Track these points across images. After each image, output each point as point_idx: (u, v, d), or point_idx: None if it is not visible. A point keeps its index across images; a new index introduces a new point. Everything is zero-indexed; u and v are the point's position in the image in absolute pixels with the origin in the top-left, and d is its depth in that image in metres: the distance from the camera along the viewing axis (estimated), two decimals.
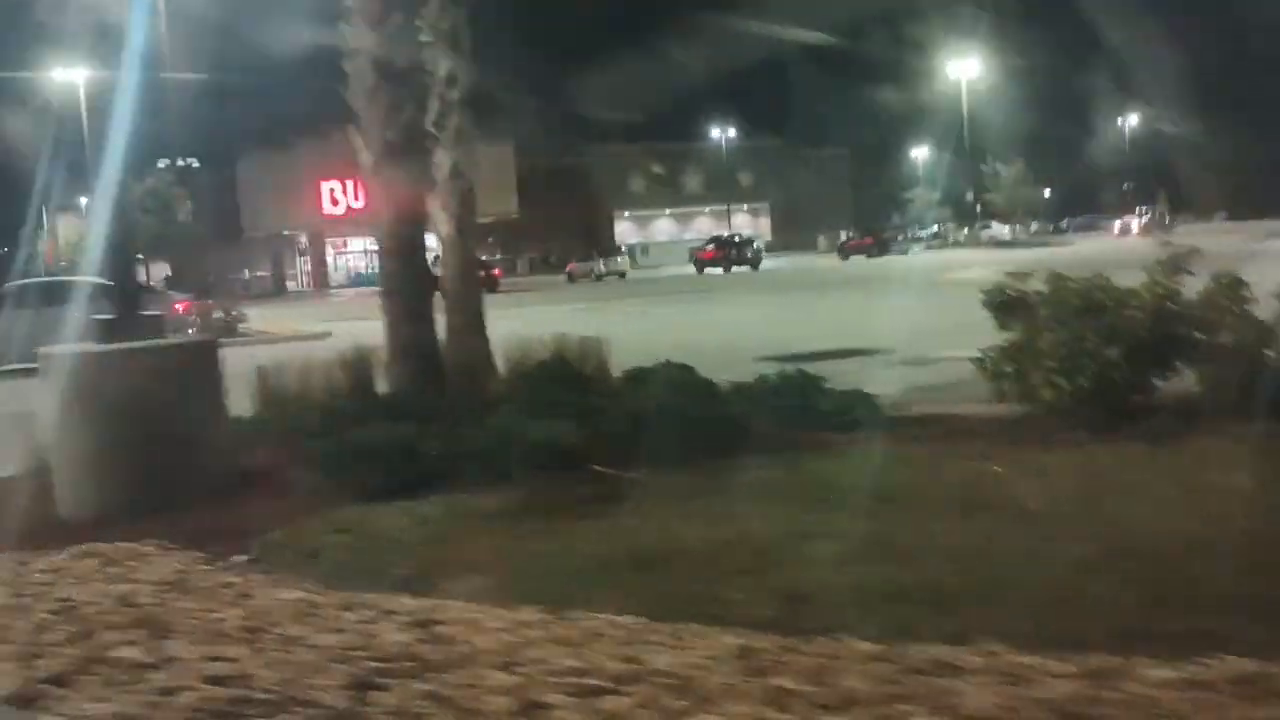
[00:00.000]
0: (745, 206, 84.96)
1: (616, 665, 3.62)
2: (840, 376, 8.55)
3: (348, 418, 7.45)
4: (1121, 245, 55.95)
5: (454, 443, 7.05)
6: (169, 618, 4.47)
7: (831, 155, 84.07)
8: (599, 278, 57.17)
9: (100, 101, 39.49)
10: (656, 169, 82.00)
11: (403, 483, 6.51)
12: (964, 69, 62.77)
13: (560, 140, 79.32)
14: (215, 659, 3.95)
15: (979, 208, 67.89)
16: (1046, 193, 75.77)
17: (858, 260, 58.79)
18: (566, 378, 8.80)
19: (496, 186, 73.72)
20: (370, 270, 75.37)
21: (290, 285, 72.68)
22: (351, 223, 72.48)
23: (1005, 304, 7.67)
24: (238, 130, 57.00)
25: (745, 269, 56.28)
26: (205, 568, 5.33)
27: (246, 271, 68.43)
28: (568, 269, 60.33)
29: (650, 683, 3.46)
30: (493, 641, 3.92)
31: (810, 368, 8.50)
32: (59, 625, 4.47)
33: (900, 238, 63.14)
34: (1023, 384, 7.31)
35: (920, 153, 78.70)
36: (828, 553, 4.81)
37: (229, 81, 53.07)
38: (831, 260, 62.81)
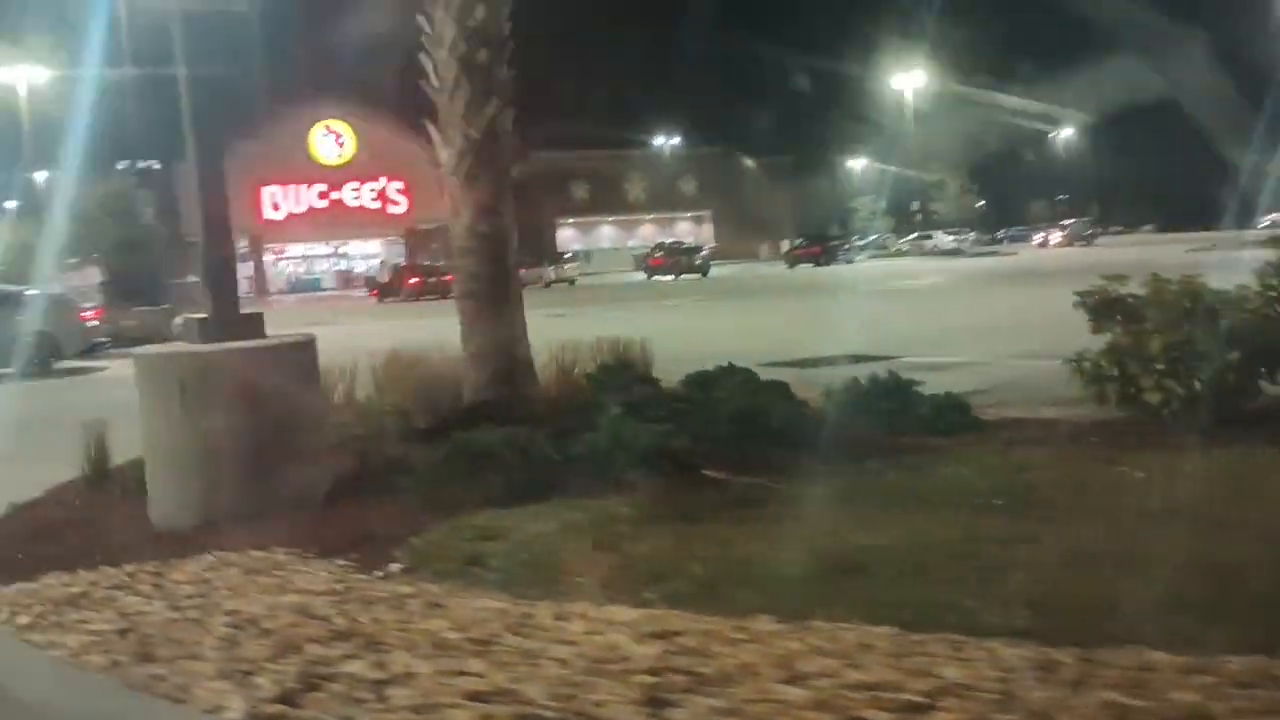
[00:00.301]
0: (688, 214, 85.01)
1: (910, 679, 3.44)
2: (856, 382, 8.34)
3: (443, 421, 7.20)
4: (1059, 255, 57.09)
5: (561, 447, 6.85)
6: (370, 629, 4.22)
7: (773, 164, 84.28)
8: (548, 284, 56.82)
9: (42, 101, 38.60)
10: (599, 176, 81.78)
11: (520, 487, 6.30)
12: (909, 80, 63.38)
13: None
14: (457, 674, 3.72)
15: (920, 217, 68.63)
16: (980, 204, 76.77)
17: (805, 268, 59.04)
18: (629, 382, 8.63)
19: (442, 192, 73.57)
20: (310, 276, 74.74)
21: (191, 293, 71.26)
22: (292, 228, 71.63)
23: (1102, 306, 7.61)
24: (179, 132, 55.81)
25: (694, 276, 56.32)
26: (361, 577, 5.06)
27: (190, 276, 66.92)
28: (522, 273, 59.92)
29: (963, 696, 3.29)
30: (753, 654, 3.72)
31: (824, 373, 8.36)
32: (251, 640, 4.19)
33: (846, 247, 63.43)
34: (1127, 387, 7.25)
35: (863, 163, 79.32)
36: (1033, 559, 4.67)
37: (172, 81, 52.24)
38: (778, 268, 63.03)
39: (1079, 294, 7.81)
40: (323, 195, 72.54)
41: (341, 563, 5.31)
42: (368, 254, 76.16)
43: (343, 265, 76.73)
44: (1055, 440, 7.16)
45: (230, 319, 6.71)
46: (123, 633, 4.40)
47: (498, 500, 6.17)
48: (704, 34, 79.02)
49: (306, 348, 6.70)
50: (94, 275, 36.96)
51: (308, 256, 76.13)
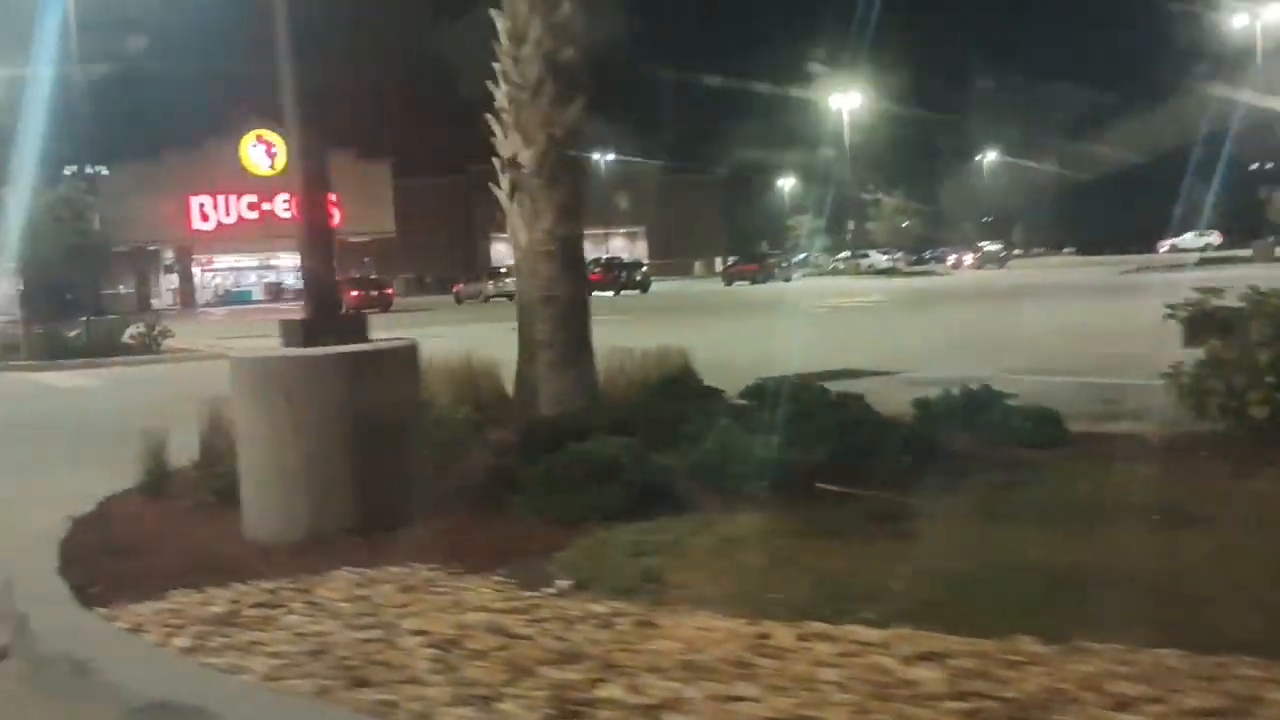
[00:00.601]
0: (622, 230, 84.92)
1: (1253, 706, 3.23)
2: (870, 396, 8.16)
3: (535, 431, 6.89)
4: (996, 275, 57.99)
5: (672, 459, 6.60)
6: (593, 651, 3.91)
7: (707, 181, 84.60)
8: (487, 299, 56.35)
9: None
10: None
11: (641, 500, 6.02)
12: (844, 100, 63.96)
13: (435, 158, 78.29)
14: (730, 699, 3.43)
15: (852, 236, 69.22)
16: (905, 224, 77.56)
17: (742, 286, 59.25)
18: (693, 394, 8.41)
19: (373, 204, 72.66)
20: (239, 289, 73.32)
21: (154, 303, 69.70)
22: (222, 239, 70.30)
23: (1198, 319, 7.53)
24: (111, 139, 54.43)
25: (634, 292, 56.19)
26: (530, 594, 4.74)
27: (122, 287, 65.31)
28: (455, 290, 59.37)
29: None
30: (1048, 679, 3.48)
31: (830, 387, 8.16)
32: (467, 662, 3.86)
33: (783, 264, 63.77)
34: (1230, 400, 7.15)
35: (798, 181, 79.83)
36: (1261, 574, 4.51)
37: (106, 86, 50.97)
38: (714, 285, 63.20)
39: (1170, 306, 7.72)
40: (253, 206, 71.27)
41: (497, 579, 4.98)
42: (297, 267, 74.99)
43: (271, 277, 75.48)
44: (1162, 454, 7.04)
45: (333, 321, 6.34)
46: (314, 654, 4.04)
47: (620, 513, 5.88)
48: (640, 50, 79.17)
49: (411, 352, 6.35)
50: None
51: (236, 268, 74.78)
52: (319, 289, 6.30)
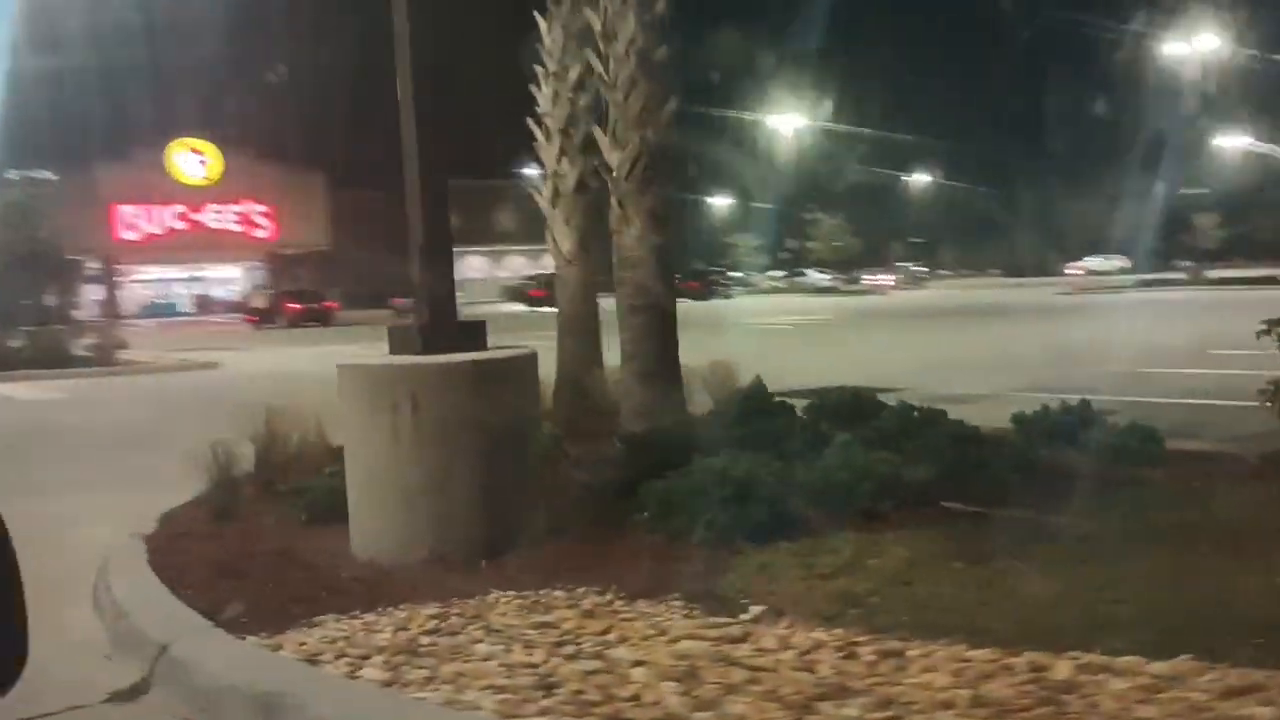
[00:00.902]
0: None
1: None
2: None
3: (648, 448, 6.55)
4: (934, 295, 58.45)
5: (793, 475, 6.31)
6: (858, 685, 3.60)
7: None
8: None
9: None
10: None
11: (783, 518, 5.72)
12: (784, 121, 63.93)
13: (370, 171, 77.16)
14: None
15: (790, 255, 69.50)
16: (836, 243, 77.97)
17: (685, 303, 59.01)
18: (767, 409, 8.15)
19: (307, 217, 71.26)
20: (166, 301, 71.37)
21: (77, 314, 67.46)
22: (149, 250, 68.43)
23: None
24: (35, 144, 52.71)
25: None
26: (725, 620, 4.41)
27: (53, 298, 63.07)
28: (396, 304, 58.37)
29: None
30: None
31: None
32: (725, 698, 3.53)
33: (724, 282, 63.81)
34: None
35: (735, 200, 79.83)
36: None
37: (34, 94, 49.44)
38: None
39: (1266, 323, 7.61)
40: (182, 216, 69.44)
41: (675, 603, 4.65)
42: (225, 279, 73.43)
43: (199, 289, 73.76)
44: (1269, 472, 6.89)
45: (453, 327, 5.98)
46: (542, 688, 3.68)
47: (761, 533, 5.58)
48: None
49: (531, 361, 6.01)
50: None
51: (163, 280, 72.95)
52: (436, 292, 5.91)
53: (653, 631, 4.25)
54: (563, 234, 9.68)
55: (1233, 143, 59.13)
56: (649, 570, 5.12)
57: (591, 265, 9.74)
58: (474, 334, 5.98)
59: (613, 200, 7.49)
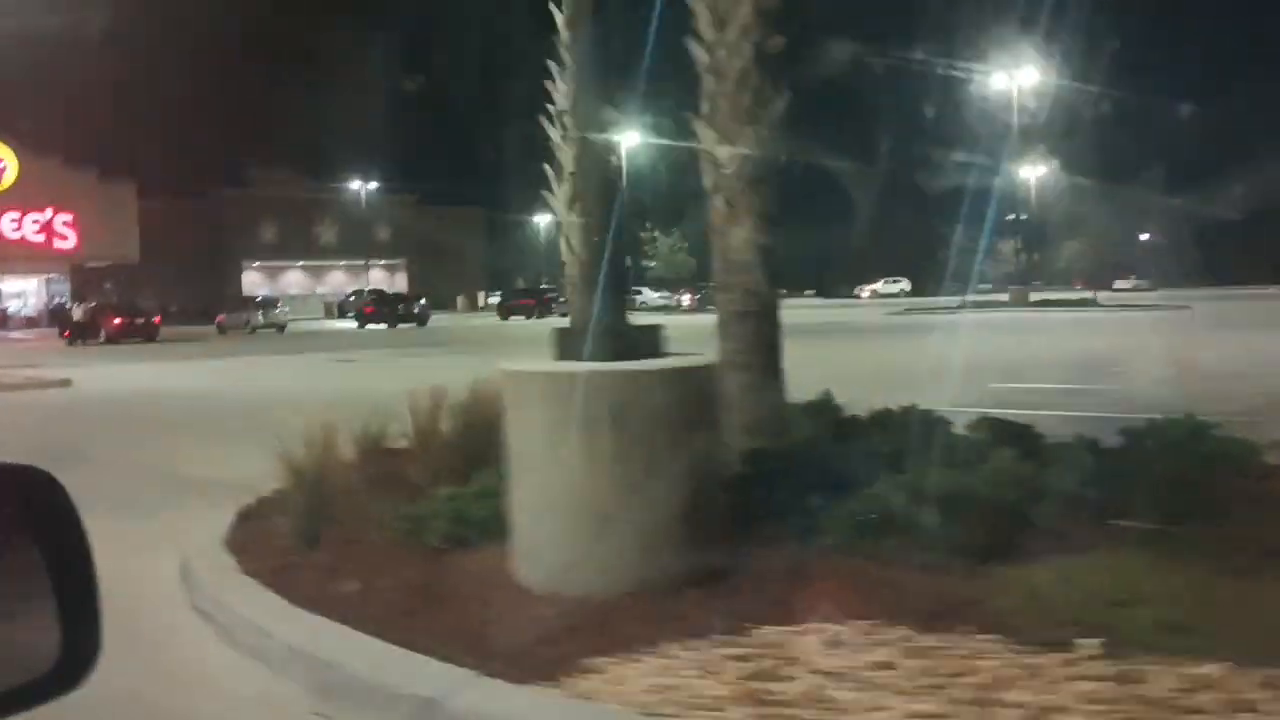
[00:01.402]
0: (382, 262, 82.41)
1: None
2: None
3: (796, 465, 6.06)
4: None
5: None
6: None
7: (471, 214, 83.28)
8: (253, 330, 53.27)
9: None
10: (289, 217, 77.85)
11: (990, 540, 5.34)
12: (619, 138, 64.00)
13: (183, 180, 73.99)
14: None
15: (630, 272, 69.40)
16: (653, 264, 78.48)
17: (520, 320, 58.28)
18: (837, 423, 7.80)
19: (115, 227, 67.33)
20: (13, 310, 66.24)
21: None
22: None
23: None
24: None
25: (411, 325, 54.38)
26: (1064, 654, 3.97)
27: None
28: (217, 320, 55.88)
29: None
30: None
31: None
32: None
33: (561, 299, 63.34)
34: None
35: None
36: None
37: None
38: (488, 319, 62.02)
39: None
40: None
41: (989, 639, 4.18)
42: (17, 292, 68.88)
43: None
44: None
45: (634, 329, 5.39)
46: None
47: (982, 551, 5.19)
48: (406, 80, 77.69)
49: (712, 370, 5.46)
50: None
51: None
52: (615, 292, 5.30)
53: (1024, 674, 3.77)
54: (579, 242, 9.06)
55: (1036, 172, 62.20)
56: (901, 598, 4.66)
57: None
58: (653, 338, 5.40)
59: (717, 200, 6.97)
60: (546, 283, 67.37)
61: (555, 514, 5.01)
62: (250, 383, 21.69)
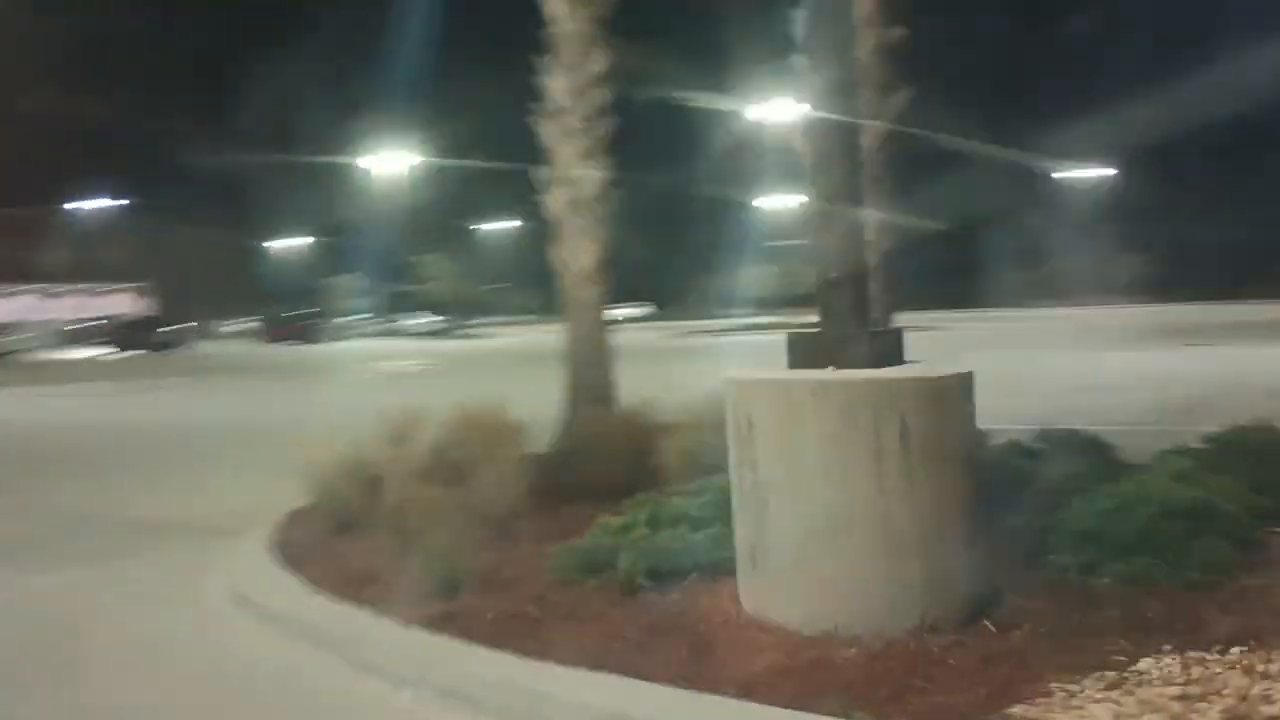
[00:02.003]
0: (125, 285, 76.83)
1: None
2: None
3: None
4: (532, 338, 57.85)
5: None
6: None
7: (223, 237, 78.95)
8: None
9: None
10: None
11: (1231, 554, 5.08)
12: (377, 161, 61.30)
13: None
14: None
15: (405, 297, 67.54)
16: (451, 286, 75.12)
17: (289, 347, 55.20)
18: None
19: None
20: None
21: None
22: None
23: None
24: None
25: (144, 352, 51.18)
26: None
27: None
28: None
29: None
30: None
31: None
32: None
33: (328, 325, 61.02)
34: None
35: (333, 241, 75.75)
36: None
37: None
38: (253, 346, 58.92)
39: None
40: None
41: None
42: None
43: None
44: None
45: (883, 332, 4.83)
46: None
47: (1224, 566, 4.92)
48: (150, 94, 73.64)
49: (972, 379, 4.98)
50: None
51: None
52: (859, 294, 4.74)
53: None
54: (580, 248, 8.47)
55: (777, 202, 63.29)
56: (1219, 623, 4.29)
57: (606, 284, 8.60)
58: (895, 345, 4.86)
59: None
60: (306, 308, 64.69)
61: (831, 543, 4.40)
62: None
